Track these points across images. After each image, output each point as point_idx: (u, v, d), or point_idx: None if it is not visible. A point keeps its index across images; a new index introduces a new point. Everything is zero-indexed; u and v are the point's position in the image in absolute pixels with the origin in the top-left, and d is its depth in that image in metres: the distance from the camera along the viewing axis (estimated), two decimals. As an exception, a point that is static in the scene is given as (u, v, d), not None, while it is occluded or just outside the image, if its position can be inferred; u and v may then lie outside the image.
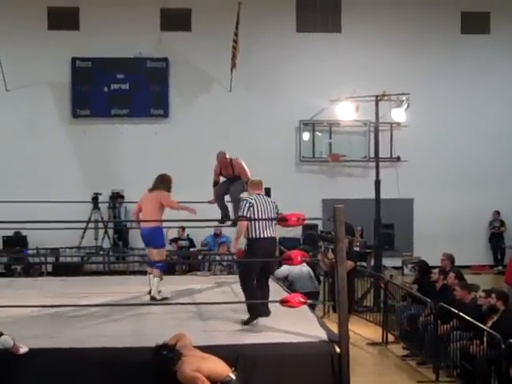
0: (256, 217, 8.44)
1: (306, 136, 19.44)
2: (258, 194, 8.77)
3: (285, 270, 12.01)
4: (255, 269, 8.61)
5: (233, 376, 6.94)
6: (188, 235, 17.98)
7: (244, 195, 9.16)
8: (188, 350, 7.03)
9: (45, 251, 16.77)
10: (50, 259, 16.91)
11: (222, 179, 11.19)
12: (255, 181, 8.97)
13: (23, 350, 7.06)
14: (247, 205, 8.51)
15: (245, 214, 8.43)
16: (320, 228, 17.70)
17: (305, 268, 12.43)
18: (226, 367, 6.98)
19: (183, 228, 17.27)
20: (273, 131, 18.77)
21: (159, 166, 18.23)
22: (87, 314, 8.90)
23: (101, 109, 18.90)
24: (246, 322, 8.44)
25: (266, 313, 8.60)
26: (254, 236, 8.48)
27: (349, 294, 8.38)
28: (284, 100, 19.00)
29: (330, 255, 10.52)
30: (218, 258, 14.97)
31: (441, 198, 19.29)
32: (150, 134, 18.90)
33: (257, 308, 8.49)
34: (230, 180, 10.98)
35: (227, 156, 11.00)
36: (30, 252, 17.36)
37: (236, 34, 17.29)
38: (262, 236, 8.48)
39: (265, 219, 8.45)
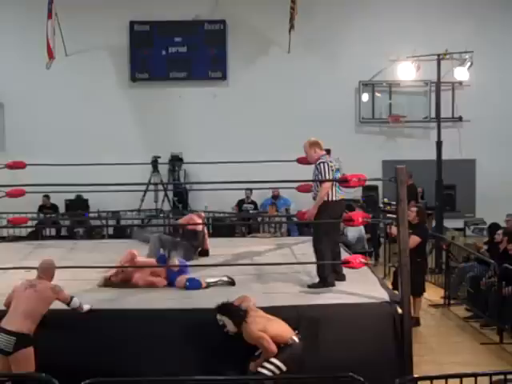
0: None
1: (366, 97, 19.16)
2: (327, 155, 8.69)
3: (355, 232, 11.88)
4: (330, 231, 8.53)
5: (296, 339, 6.94)
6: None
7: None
8: (253, 311, 7.05)
9: (106, 214, 16.99)
10: (111, 222, 17.13)
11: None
12: (315, 140, 8.76)
13: (86, 307, 7.28)
14: (327, 167, 8.37)
15: (328, 177, 8.29)
16: (380, 190, 17.55)
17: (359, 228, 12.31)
18: (289, 330, 6.98)
19: (250, 190, 17.25)
20: (332, 92, 18.53)
21: (217, 129, 18.51)
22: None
23: (159, 72, 18.91)
24: (312, 286, 8.38)
25: (342, 277, 8.52)
26: (330, 198, 8.38)
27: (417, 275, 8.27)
28: (343, 61, 18.73)
29: (394, 230, 10.29)
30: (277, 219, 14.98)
31: (504, 158, 18.85)
32: (209, 97, 18.87)
33: (330, 276, 8.41)
34: None
35: None
36: (91, 215, 17.60)
37: (294, -5, 17.09)
38: (336, 198, 8.40)
39: (334, 180, 8.34)
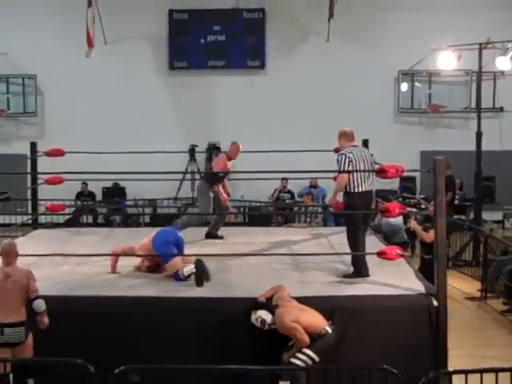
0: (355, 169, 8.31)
1: (405, 86, 19.01)
2: (354, 146, 8.60)
3: (391, 221, 11.79)
4: (360, 222, 8.50)
5: (329, 329, 6.91)
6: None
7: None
8: (286, 301, 7.03)
9: (142, 202, 17.09)
10: (148, 210, 17.24)
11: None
12: (347, 131, 8.68)
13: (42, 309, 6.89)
14: (346, 160, 8.29)
15: (346, 169, 8.26)
16: (418, 180, 17.41)
17: (399, 218, 12.21)
18: (322, 320, 6.96)
19: (286, 179, 17.23)
20: (371, 82, 18.41)
21: (255, 118, 18.49)
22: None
23: (197, 60, 18.94)
24: (347, 276, 8.36)
25: (358, 272, 8.50)
26: (353, 190, 8.34)
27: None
28: (382, 50, 18.57)
29: (413, 223, 10.15)
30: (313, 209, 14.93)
31: (545, 150, 18.62)
32: (247, 86, 18.86)
33: (364, 267, 8.38)
34: None
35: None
36: (128, 203, 17.73)
37: (334, -17, 16.98)
38: (361, 190, 8.34)
39: (363, 171, 8.31)
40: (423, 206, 10.27)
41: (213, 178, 10.96)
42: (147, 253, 8.51)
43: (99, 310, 7.33)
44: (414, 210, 9.91)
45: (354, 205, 8.34)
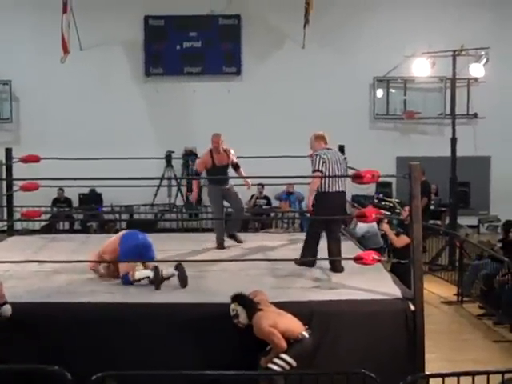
0: (328, 172, 8.47)
1: (380, 93, 19.13)
2: (328, 149, 8.76)
3: (364, 227, 11.84)
4: (321, 221, 8.71)
5: (306, 334, 6.92)
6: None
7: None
8: (265, 306, 7.03)
9: (119, 208, 17.02)
10: (124, 216, 17.17)
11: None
12: (321, 134, 8.97)
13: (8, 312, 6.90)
14: (320, 160, 8.51)
15: (320, 169, 8.42)
16: (394, 186, 17.50)
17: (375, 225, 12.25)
18: (300, 325, 6.96)
19: (262, 185, 17.24)
20: (346, 88, 18.50)
21: (231, 124, 18.46)
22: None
23: (173, 67, 18.94)
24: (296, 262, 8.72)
25: (339, 269, 8.60)
26: (323, 190, 8.56)
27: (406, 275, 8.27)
28: (357, 56, 18.68)
29: (385, 226, 10.16)
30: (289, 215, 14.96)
31: (519, 156, 18.78)
32: (223, 92, 18.87)
33: (309, 255, 8.68)
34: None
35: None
36: (104, 209, 17.65)
37: (309, -10, 17.05)
38: (331, 190, 8.53)
39: (336, 176, 8.46)
40: (397, 211, 10.29)
41: (210, 179, 10.72)
42: (114, 256, 8.37)
43: (75, 317, 7.26)
44: (389, 213, 9.91)
45: (323, 204, 8.55)
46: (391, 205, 9.03)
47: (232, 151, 10.57)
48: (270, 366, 6.80)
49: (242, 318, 6.94)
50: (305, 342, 6.89)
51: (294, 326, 6.94)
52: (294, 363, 6.79)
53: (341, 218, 9.62)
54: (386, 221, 10.10)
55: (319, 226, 8.87)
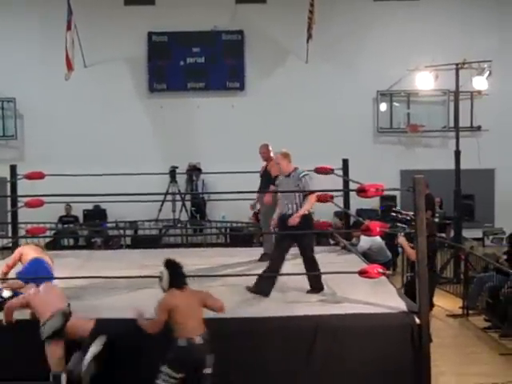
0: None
1: (384, 107, 19.16)
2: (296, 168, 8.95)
3: (368, 240, 11.83)
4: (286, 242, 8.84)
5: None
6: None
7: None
8: (190, 293, 6.96)
9: (124, 224, 17.03)
10: (129, 232, 17.18)
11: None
12: (289, 153, 9.03)
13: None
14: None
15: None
16: (398, 199, 17.48)
17: (379, 238, 12.22)
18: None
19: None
20: (350, 102, 18.53)
21: (236, 139, 18.52)
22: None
23: (177, 83, 18.99)
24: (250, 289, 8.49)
25: (320, 287, 8.66)
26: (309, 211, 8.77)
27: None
28: (361, 70, 18.73)
29: (401, 239, 10.07)
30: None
31: (524, 168, 18.78)
32: (227, 107, 18.91)
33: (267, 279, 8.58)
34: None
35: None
36: (109, 225, 17.67)
37: (312, 5, 17.08)
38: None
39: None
40: (413, 224, 10.24)
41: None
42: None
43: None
44: (405, 226, 9.84)
45: (310, 227, 8.86)
46: (408, 218, 8.97)
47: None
48: (157, 382, 6.67)
49: (164, 284, 6.90)
50: (183, 350, 6.68)
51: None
52: (174, 373, 6.63)
53: (311, 236, 9.59)
54: (402, 234, 10.05)
55: (281, 247, 8.85)
